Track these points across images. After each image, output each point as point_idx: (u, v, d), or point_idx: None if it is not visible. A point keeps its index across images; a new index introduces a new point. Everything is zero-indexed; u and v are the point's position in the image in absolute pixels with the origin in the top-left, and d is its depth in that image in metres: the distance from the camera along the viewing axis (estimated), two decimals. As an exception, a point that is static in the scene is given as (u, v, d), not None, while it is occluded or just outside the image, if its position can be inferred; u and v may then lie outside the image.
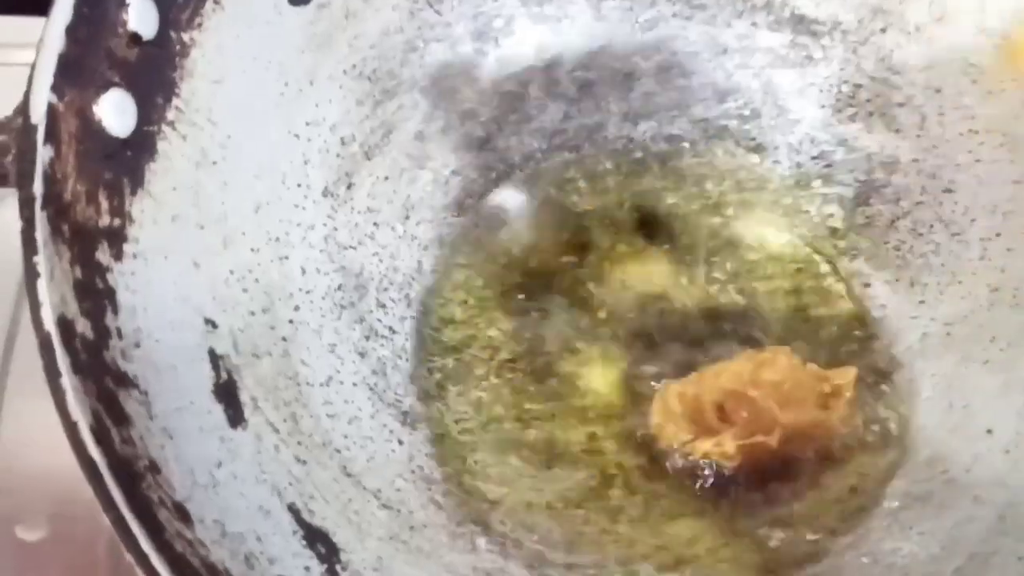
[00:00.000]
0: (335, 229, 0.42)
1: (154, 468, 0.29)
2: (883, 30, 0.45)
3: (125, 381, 0.30)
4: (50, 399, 0.46)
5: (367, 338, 0.41)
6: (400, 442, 0.40)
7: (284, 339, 0.38)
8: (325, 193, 0.42)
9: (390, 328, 0.42)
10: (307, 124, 0.41)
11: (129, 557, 0.27)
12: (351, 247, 0.42)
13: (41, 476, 0.45)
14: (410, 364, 0.42)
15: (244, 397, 0.35)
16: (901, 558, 0.37)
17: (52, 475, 0.45)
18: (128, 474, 0.28)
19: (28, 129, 0.30)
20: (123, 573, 0.44)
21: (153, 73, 0.35)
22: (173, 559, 0.27)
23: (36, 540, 0.44)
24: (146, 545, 0.27)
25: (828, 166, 0.46)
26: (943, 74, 0.44)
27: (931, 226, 0.44)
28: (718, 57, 0.47)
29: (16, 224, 0.50)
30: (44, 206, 0.29)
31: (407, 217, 0.44)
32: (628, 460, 0.40)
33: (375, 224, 0.43)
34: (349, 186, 0.43)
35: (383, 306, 0.42)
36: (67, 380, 0.28)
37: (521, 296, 0.44)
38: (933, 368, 0.42)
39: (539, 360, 0.42)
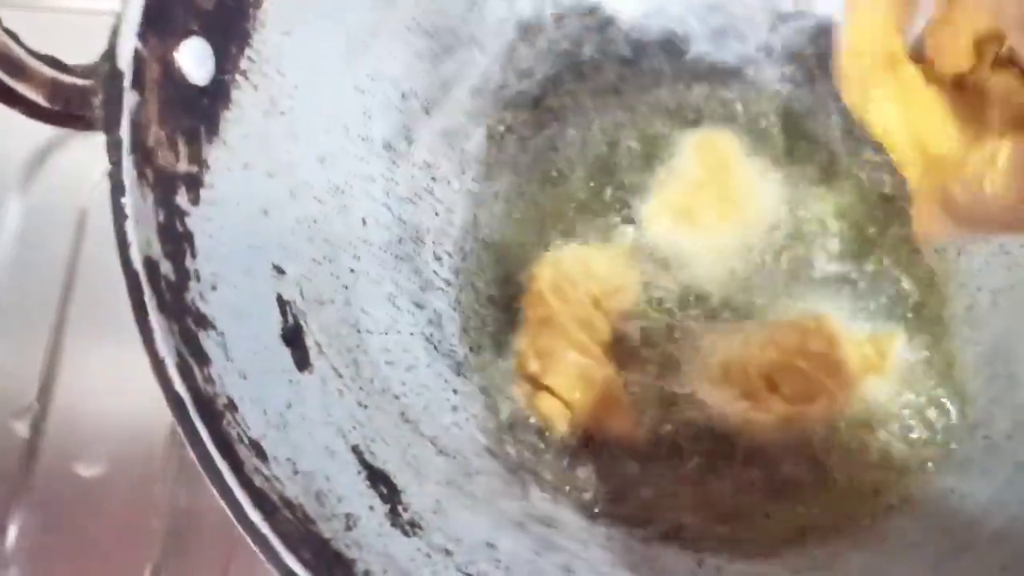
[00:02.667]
0: (395, 182, 0.42)
1: (232, 406, 0.30)
2: None
3: (204, 322, 0.31)
4: (108, 341, 0.48)
5: (423, 289, 0.42)
6: (455, 391, 0.41)
7: (346, 287, 0.39)
8: (386, 147, 0.42)
9: (446, 280, 0.43)
10: (369, 78, 0.42)
11: (213, 490, 0.28)
12: (409, 200, 0.43)
13: (99, 416, 0.47)
14: (464, 316, 0.43)
15: (310, 342, 0.36)
16: (943, 520, 0.38)
17: (110, 415, 0.47)
18: (210, 411, 0.29)
19: (115, 75, 0.30)
20: (177, 509, 0.45)
21: (229, 23, 0.35)
22: (254, 493, 0.28)
23: (94, 476, 0.45)
24: (230, 479, 0.28)
25: (879, 133, 0.46)
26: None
27: (980, 196, 0.44)
28: (773, 21, 0.47)
29: (74, 172, 0.52)
30: (132, 150, 0.30)
31: (463, 172, 0.45)
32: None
33: (432, 178, 0.44)
34: (408, 140, 0.43)
35: (439, 259, 0.43)
36: (154, 318, 0.29)
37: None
38: (978, 337, 0.42)
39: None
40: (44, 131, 0.53)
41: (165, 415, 0.46)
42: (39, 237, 0.50)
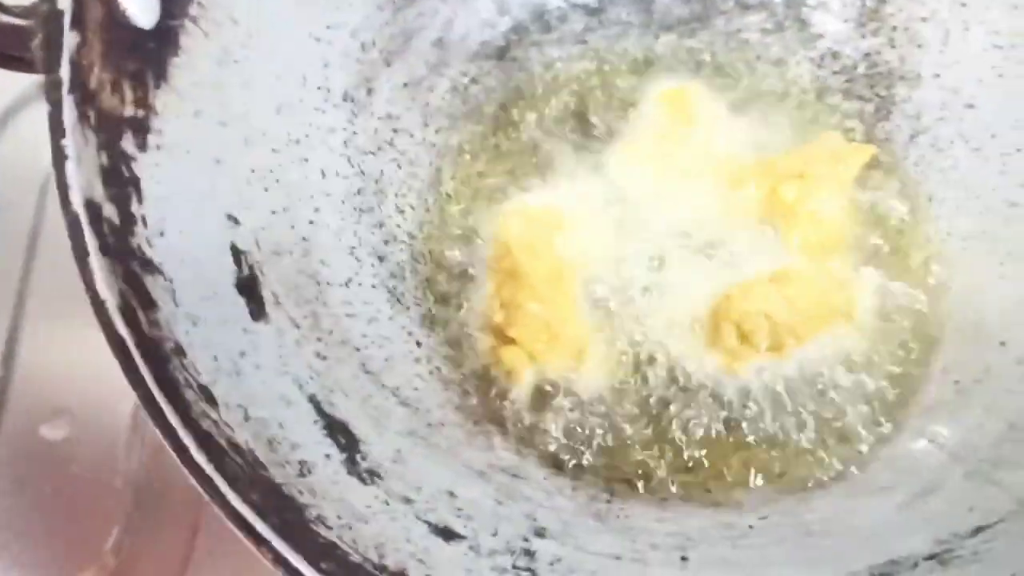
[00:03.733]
0: (355, 134, 0.42)
1: (179, 351, 0.30)
2: (910, -58, 0.44)
3: (151, 267, 0.30)
4: (72, 306, 0.47)
5: (386, 243, 0.42)
6: (418, 344, 0.40)
7: (304, 239, 0.38)
8: (345, 97, 0.42)
9: (409, 233, 0.42)
10: (328, 27, 0.41)
11: (157, 433, 0.27)
12: (370, 152, 0.42)
13: (62, 379, 0.46)
14: (428, 268, 0.42)
15: (266, 293, 0.35)
16: (913, 462, 0.38)
17: (74, 379, 0.46)
18: (155, 354, 0.28)
19: (54, 14, 0.30)
20: (143, 470, 0.45)
21: (175, -35, 0.34)
22: (199, 435, 0.28)
23: (59, 439, 0.45)
24: (173, 420, 0.27)
25: (849, 81, 0.46)
26: (969, -13, 0.44)
27: (951, 142, 0.44)
28: (741, -31, 0.47)
29: (32, 139, 0.51)
30: (71, 90, 0.29)
31: (426, 124, 0.44)
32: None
33: (394, 130, 0.43)
34: (369, 91, 0.42)
35: (402, 212, 0.43)
36: (95, 260, 0.28)
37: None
38: (948, 282, 0.42)
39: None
40: (3, 98, 0.53)
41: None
42: (2, 201, 0.50)
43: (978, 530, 0.33)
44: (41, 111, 0.50)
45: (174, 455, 0.27)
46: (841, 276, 0.41)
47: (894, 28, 0.45)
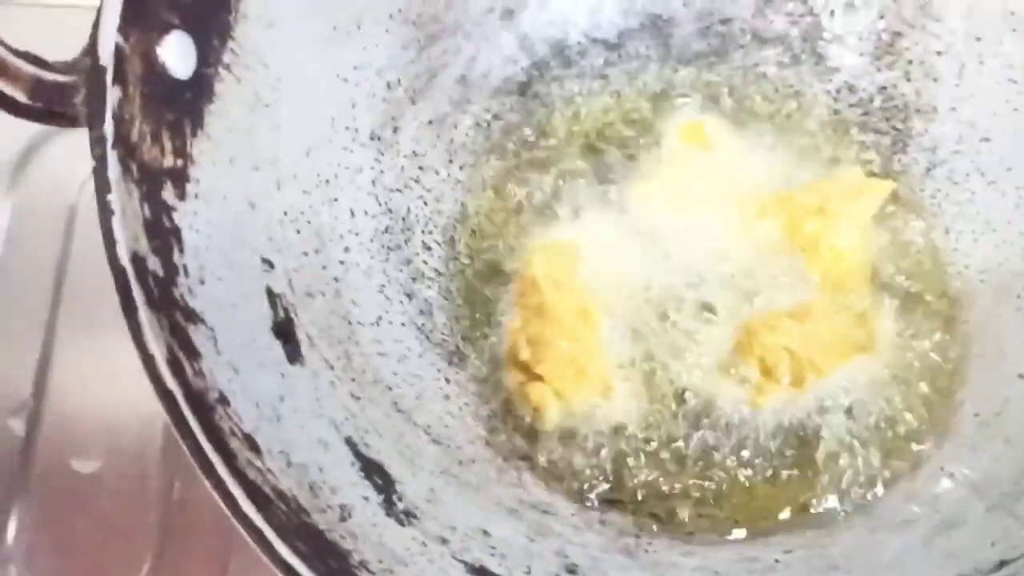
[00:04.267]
0: (382, 172, 0.42)
1: (224, 400, 0.30)
2: (925, -23, 0.45)
3: (193, 316, 0.31)
4: (100, 338, 0.48)
5: (414, 279, 0.42)
6: (447, 380, 0.41)
7: (336, 279, 0.39)
8: (372, 136, 0.42)
9: (436, 270, 0.43)
10: (354, 68, 0.42)
11: (206, 482, 0.28)
12: (397, 190, 0.43)
13: (94, 412, 0.47)
14: (455, 305, 0.43)
15: (301, 335, 0.36)
16: (935, 496, 0.38)
17: (104, 411, 0.47)
18: (202, 405, 0.29)
19: (97, 70, 0.30)
20: (172, 505, 0.45)
21: (210, 15, 0.35)
22: (247, 485, 0.28)
23: (90, 472, 0.46)
24: (223, 472, 0.28)
25: (866, 113, 0.47)
26: (983, 22, 0.44)
27: (967, 175, 0.44)
28: (758, 4, 0.47)
29: (62, 170, 0.52)
30: (114, 145, 0.30)
31: (450, 161, 0.45)
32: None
33: (420, 168, 0.44)
34: (395, 130, 0.43)
35: (428, 248, 0.43)
36: (143, 314, 0.29)
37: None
38: (966, 315, 0.42)
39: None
40: (30, 130, 0.53)
41: (159, 409, 0.47)
42: (28, 236, 0.50)
43: (1001, 564, 0.34)
44: (67, 141, 0.51)
45: (223, 506, 0.28)
46: (861, 310, 0.42)
47: (910, 62, 0.46)
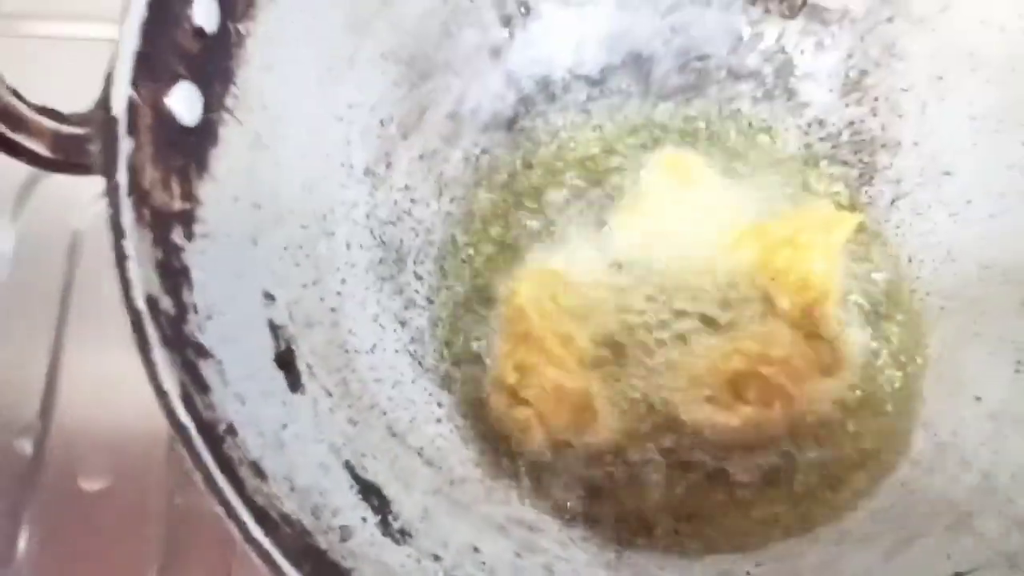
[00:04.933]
0: (376, 206, 0.45)
1: (232, 431, 0.32)
2: (890, 19, 0.48)
3: (203, 351, 0.33)
4: (105, 359, 0.50)
5: (406, 308, 0.44)
6: (439, 404, 0.43)
7: (333, 310, 0.41)
8: (366, 172, 0.44)
9: (427, 299, 0.45)
10: (349, 106, 0.44)
11: (219, 510, 0.30)
12: (390, 222, 0.45)
13: (99, 431, 0.49)
14: (446, 332, 0.45)
15: (301, 364, 0.38)
16: (897, 512, 0.41)
17: (109, 430, 0.49)
18: (212, 436, 0.31)
19: (111, 123, 0.32)
20: (175, 520, 0.47)
21: (214, 64, 0.37)
22: (256, 511, 0.30)
23: (97, 490, 0.47)
24: (234, 500, 0.30)
25: (835, 147, 0.49)
26: (945, 62, 0.47)
27: (930, 207, 0.47)
28: (733, 42, 0.50)
29: (66, 194, 0.54)
30: (129, 193, 0.32)
31: (440, 194, 0.47)
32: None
33: (412, 200, 0.46)
34: (388, 165, 0.45)
35: (420, 278, 0.46)
36: (157, 353, 0.31)
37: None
38: (927, 340, 0.45)
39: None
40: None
41: (162, 426, 0.49)
42: (33, 261, 0.52)
43: (956, 576, 0.37)
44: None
45: (235, 531, 0.30)
46: (828, 335, 0.44)
47: (876, 98, 0.49)
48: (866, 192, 0.48)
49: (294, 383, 0.37)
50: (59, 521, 0.47)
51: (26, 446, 0.48)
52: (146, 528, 0.47)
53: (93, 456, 0.48)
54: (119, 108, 0.33)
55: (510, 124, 0.49)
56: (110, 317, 0.51)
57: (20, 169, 0.54)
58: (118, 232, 0.32)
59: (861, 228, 0.47)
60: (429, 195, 0.47)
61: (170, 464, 0.48)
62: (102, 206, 0.53)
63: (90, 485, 0.47)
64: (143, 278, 0.31)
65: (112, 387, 0.49)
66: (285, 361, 0.37)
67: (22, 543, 0.46)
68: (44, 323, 0.51)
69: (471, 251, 0.47)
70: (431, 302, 0.45)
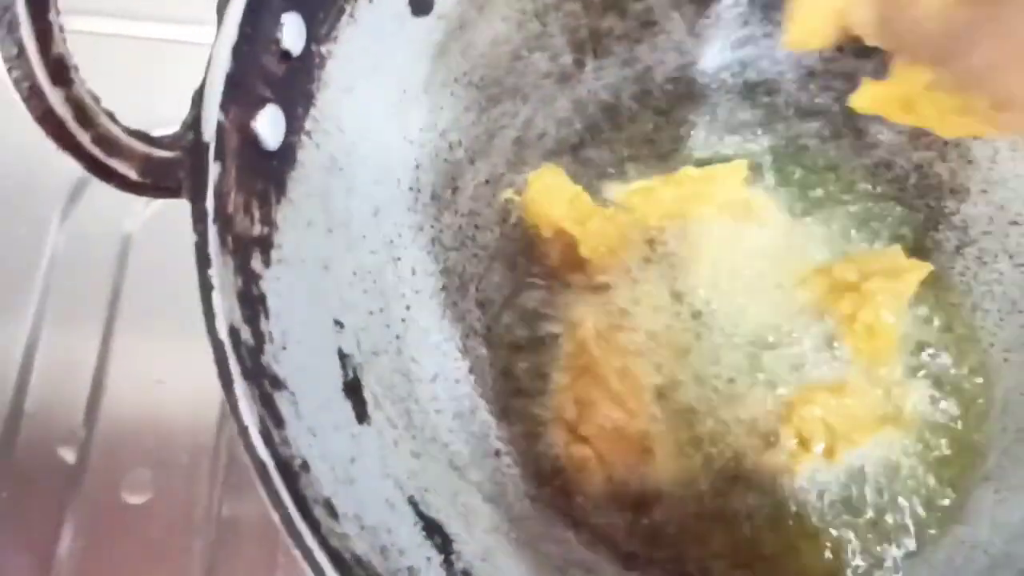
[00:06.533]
0: (441, 231, 0.44)
1: (305, 467, 0.32)
2: (965, 63, 0.47)
3: (278, 383, 0.32)
4: (151, 368, 0.49)
5: (467, 336, 0.44)
6: (498, 437, 0.42)
7: (398, 337, 0.41)
8: (433, 196, 0.44)
9: (487, 327, 0.45)
10: (420, 130, 0.43)
11: (296, 552, 0.29)
12: (454, 248, 0.45)
13: (144, 440, 0.48)
14: (504, 361, 0.44)
15: (367, 394, 0.37)
16: (956, 565, 0.40)
17: (152, 440, 0.48)
18: (289, 474, 0.30)
19: (199, 147, 0.32)
20: (220, 533, 0.47)
21: (297, 86, 0.36)
22: (331, 553, 0.30)
23: (140, 503, 0.47)
24: (310, 541, 0.29)
25: (902, 190, 0.49)
26: (1019, 110, 0.46)
27: (995, 256, 0.47)
28: (803, 78, 0.49)
29: (118, 197, 0.53)
30: (215, 220, 0.31)
31: (504, 220, 0.47)
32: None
33: (476, 227, 0.46)
34: (454, 190, 0.45)
35: (481, 305, 0.45)
36: (239, 386, 0.30)
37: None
38: (990, 392, 0.45)
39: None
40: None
41: (207, 437, 0.48)
42: (82, 264, 0.51)
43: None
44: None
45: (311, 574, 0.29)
46: (892, 385, 0.44)
47: (945, 143, 0.48)
48: (931, 237, 0.48)
49: (361, 414, 0.37)
50: (101, 532, 0.46)
51: (69, 455, 0.47)
52: (189, 540, 0.46)
53: (137, 466, 0.47)
54: (208, 132, 0.32)
55: (575, 151, 0.48)
56: (158, 324, 0.51)
57: (71, 169, 0.54)
58: (204, 261, 0.31)
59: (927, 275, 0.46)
60: (492, 221, 0.46)
61: (214, 475, 0.48)
62: (153, 209, 0.54)
63: (133, 497, 0.47)
64: (226, 308, 0.31)
65: (158, 395, 0.49)
66: (353, 390, 0.37)
67: (63, 553, 0.46)
68: (91, 328, 0.50)
69: (533, 280, 0.46)
70: (491, 331, 0.45)
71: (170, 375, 0.49)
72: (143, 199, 0.52)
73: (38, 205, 0.52)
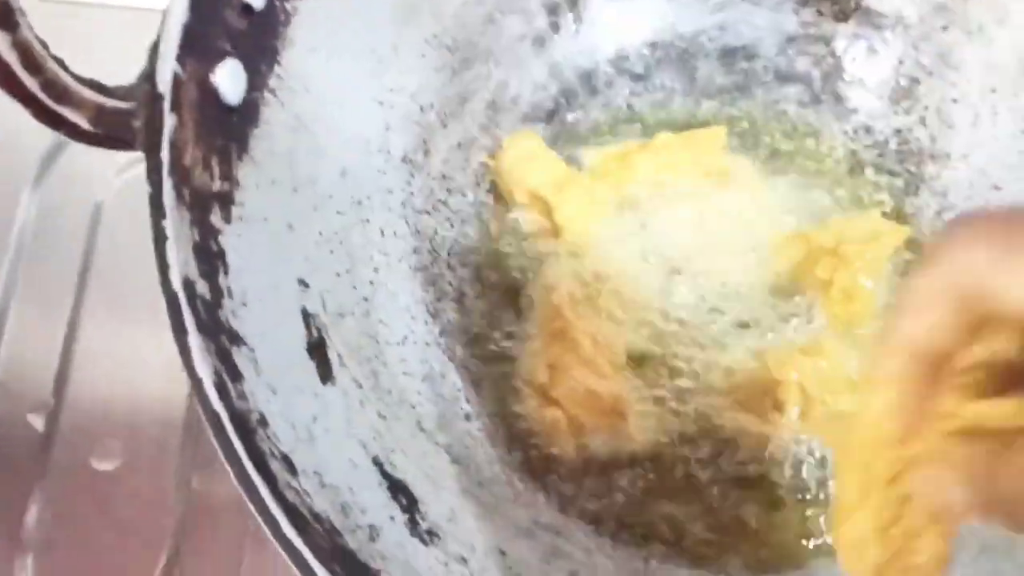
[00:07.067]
0: (412, 194, 0.44)
1: (263, 422, 0.31)
2: (944, 28, 0.47)
3: (236, 339, 0.32)
4: (123, 337, 0.49)
5: (438, 300, 0.43)
6: (467, 400, 0.42)
7: (365, 299, 0.40)
8: (404, 159, 0.43)
9: (459, 291, 0.44)
10: (390, 91, 0.43)
11: (250, 506, 0.29)
12: (426, 212, 0.44)
13: (114, 409, 0.48)
14: (477, 326, 0.44)
15: (332, 354, 0.37)
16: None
17: (124, 409, 0.48)
18: (244, 427, 0.30)
19: (155, 98, 0.31)
20: (189, 502, 0.46)
21: (260, 42, 0.36)
22: (287, 507, 0.29)
23: (110, 470, 0.46)
24: (266, 495, 0.29)
25: (881, 155, 0.48)
26: (1000, 74, 0.46)
27: (976, 221, 0.46)
28: (782, 43, 0.49)
29: (89, 165, 0.53)
30: (170, 172, 0.31)
31: (477, 184, 0.46)
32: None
33: (448, 190, 0.45)
34: (426, 153, 0.44)
35: (452, 269, 0.45)
36: (193, 338, 0.30)
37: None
38: (969, 358, 0.44)
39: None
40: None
41: (178, 409, 0.48)
42: (53, 233, 0.51)
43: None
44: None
45: (266, 529, 0.29)
46: (869, 348, 0.43)
47: (926, 108, 0.47)
48: (911, 202, 0.47)
49: (325, 374, 0.36)
50: (70, 499, 0.46)
51: (38, 422, 0.47)
52: (158, 509, 0.46)
53: (106, 435, 0.47)
54: (164, 83, 0.31)
55: (550, 116, 0.48)
56: (130, 293, 0.51)
57: (44, 137, 0.54)
58: (158, 211, 0.31)
59: (907, 240, 0.46)
60: (465, 185, 0.46)
61: (184, 446, 0.47)
62: (126, 178, 0.53)
63: (103, 464, 0.46)
64: (181, 260, 0.30)
65: (129, 365, 0.48)
66: (317, 351, 0.36)
67: (31, 520, 0.45)
68: (62, 297, 0.50)
69: (506, 245, 0.45)
70: (463, 295, 0.44)
71: (141, 345, 0.49)
72: (114, 168, 0.52)
73: (9, 175, 0.52)
